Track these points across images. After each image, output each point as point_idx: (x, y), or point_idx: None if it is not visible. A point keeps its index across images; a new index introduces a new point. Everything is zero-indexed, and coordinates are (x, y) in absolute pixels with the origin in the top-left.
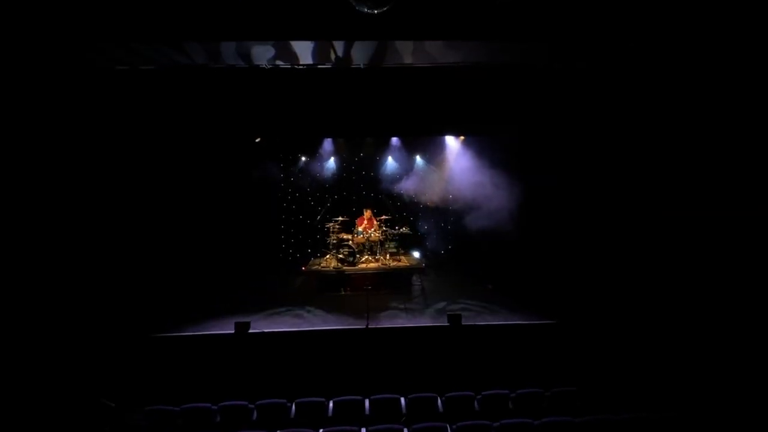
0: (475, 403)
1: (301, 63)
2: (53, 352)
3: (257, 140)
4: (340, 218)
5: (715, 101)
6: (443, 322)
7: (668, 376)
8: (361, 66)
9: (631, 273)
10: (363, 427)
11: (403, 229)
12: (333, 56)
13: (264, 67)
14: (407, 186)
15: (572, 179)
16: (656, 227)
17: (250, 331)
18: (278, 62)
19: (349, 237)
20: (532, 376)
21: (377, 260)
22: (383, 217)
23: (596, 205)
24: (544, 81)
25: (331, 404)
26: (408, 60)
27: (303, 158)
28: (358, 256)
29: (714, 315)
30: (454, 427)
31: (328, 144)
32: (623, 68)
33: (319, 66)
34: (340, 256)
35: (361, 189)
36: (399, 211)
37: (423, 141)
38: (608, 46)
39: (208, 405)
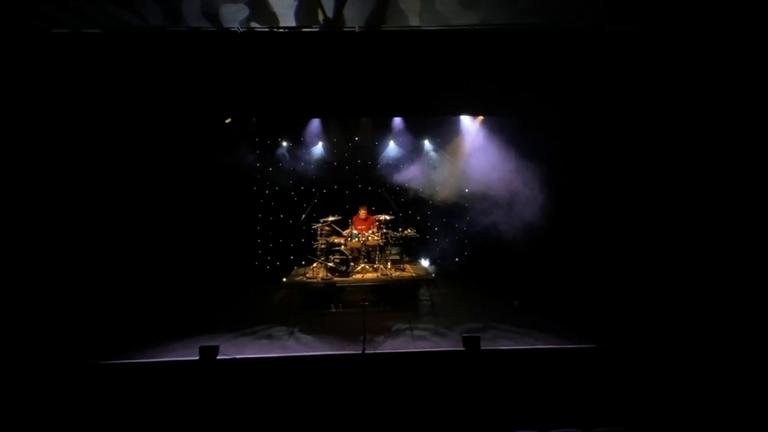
0: None
1: (281, 26)
2: None
3: (227, 121)
4: (330, 218)
5: None
6: (458, 346)
7: (739, 414)
8: (356, 29)
9: (694, 285)
10: None
11: (408, 232)
12: (321, 17)
13: (236, 31)
14: (412, 178)
15: (621, 169)
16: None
17: (219, 357)
18: (253, 24)
19: (341, 241)
20: (568, 413)
21: (376, 269)
22: (383, 216)
23: (653, 200)
24: (588, 48)
25: None
26: (414, 22)
27: (284, 143)
28: (352, 264)
29: None
30: None
31: (314, 126)
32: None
33: (304, 29)
34: (331, 264)
35: (356, 181)
36: (402, 209)
37: (432, 122)
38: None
39: None
